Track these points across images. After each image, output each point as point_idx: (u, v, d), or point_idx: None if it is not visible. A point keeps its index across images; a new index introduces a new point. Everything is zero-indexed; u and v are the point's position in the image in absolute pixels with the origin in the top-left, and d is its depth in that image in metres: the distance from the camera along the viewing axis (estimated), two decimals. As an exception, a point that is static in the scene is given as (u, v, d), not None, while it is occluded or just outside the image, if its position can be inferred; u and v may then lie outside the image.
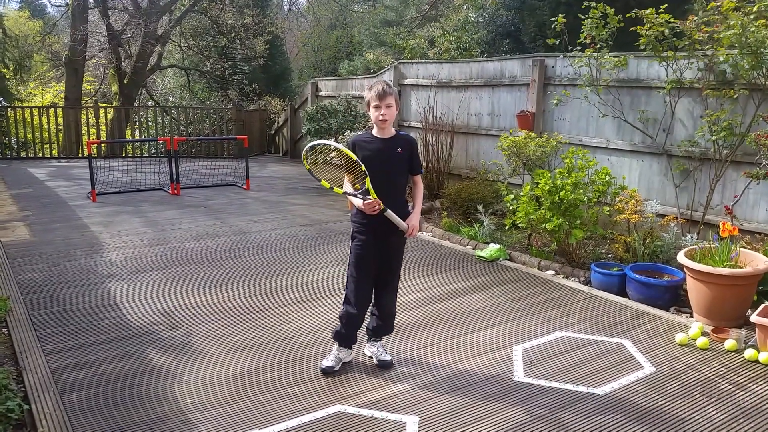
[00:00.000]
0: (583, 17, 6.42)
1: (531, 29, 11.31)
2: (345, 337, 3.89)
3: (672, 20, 5.82)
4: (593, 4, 6.33)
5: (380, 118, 3.69)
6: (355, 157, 3.60)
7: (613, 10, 6.33)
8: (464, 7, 14.13)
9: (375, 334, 4.01)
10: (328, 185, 3.79)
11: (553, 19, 6.82)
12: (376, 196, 3.59)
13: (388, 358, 3.94)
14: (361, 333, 3.96)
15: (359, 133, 3.85)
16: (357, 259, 3.81)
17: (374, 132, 3.82)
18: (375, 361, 3.95)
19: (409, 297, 5.15)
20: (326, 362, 3.85)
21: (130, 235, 7.17)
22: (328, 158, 3.77)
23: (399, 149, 3.77)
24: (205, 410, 3.35)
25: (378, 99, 3.67)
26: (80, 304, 4.92)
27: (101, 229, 7.44)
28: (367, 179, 3.59)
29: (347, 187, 3.73)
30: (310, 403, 3.43)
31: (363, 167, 3.58)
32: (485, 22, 13.06)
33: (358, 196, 3.64)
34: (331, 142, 3.76)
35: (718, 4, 5.49)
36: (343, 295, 3.91)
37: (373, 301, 3.95)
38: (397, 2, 21.80)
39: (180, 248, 6.61)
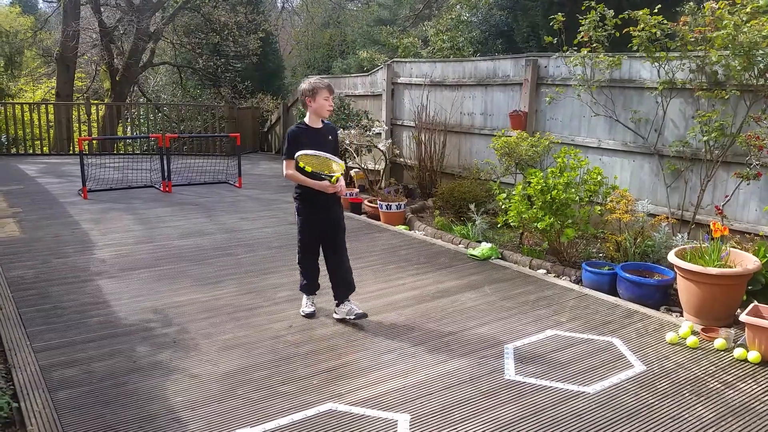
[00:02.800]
0: (581, 17, 6.45)
1: (524, 29, 11.33)
2: (311, 287, 4.74)
3: (664, 22, 5.85)
4: (593, 4, 6.36)
5: (328, 108, 4.40)
6: (342, 165, 4.41)
7: (612, 12, 6.36)
8: (458, 6, 14.11)
9: (342, 299, 4.61)
10: (302, 164, 4.28)
11: (552, 16, 6.85)
12: (339, 177, 4.35)
13: (361, 310, 4.56)
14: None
15: (297, 125, 4.55)
16: (308, 227, 4.57)
17: (308, 122, 4.44)
18: (352, 316, 4.50)
19: (402, 295, 5.15)
20: (307, 309, 4.68)
21: (120, 232, 7.13)
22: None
23: (330, 137, 4.50)
24: (195, 408, 3.34)
25: (329, 92, 4.37)
26: (70, 301, 4.90)
27: (92, 226, 7.40)
28: (337, 175, 4.34)
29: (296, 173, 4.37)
30: (301, 401, 3.42)
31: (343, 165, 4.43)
32: (478, 21, 13.08)
33: (324, 177, 4.31)
34: (320, 153, 4.36)
35: (714, 6, 5.52)
36: (297, 259, 4.72)
37: (330, 271, 4.65)
38: (391, 1, 21.78)
39: (170, 246, 6.58)
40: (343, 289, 4.59)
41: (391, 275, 5.69)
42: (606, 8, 6.41)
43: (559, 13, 6.75)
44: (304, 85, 4.40)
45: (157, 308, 4.79)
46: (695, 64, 5.88)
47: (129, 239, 6.82)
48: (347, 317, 4.51)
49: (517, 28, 11.74)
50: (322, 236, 4.58)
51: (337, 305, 4.60)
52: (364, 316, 4.50)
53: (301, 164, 4.28)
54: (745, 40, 5.20)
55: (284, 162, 4.41)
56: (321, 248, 4.62)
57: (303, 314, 4.64)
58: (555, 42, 6.84)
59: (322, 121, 4.48)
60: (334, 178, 4.31)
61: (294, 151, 4.30)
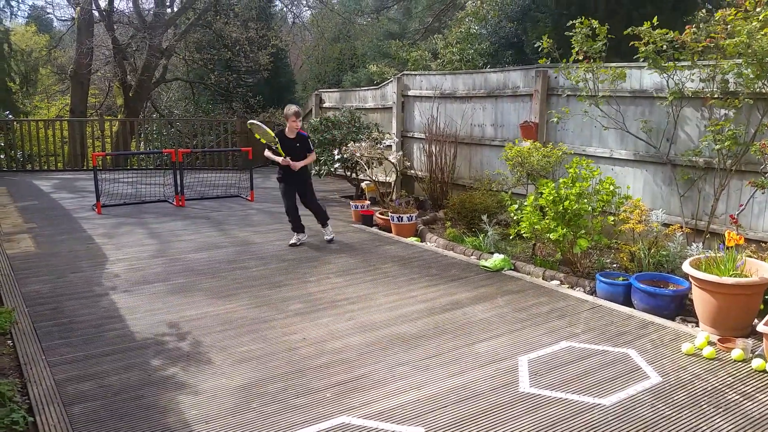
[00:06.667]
0: (571, 34, 6.41)
1: (533, 41, 11.32)
2: (295, 229, 7.29)
3: (668, 33, 5.81)
4: (578, 20, 6.33)
5: (296, 127, 7.10)
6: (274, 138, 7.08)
7: (596, 22, 6.28)
8: (467, 19, 14.16)
9: (322, 224, 7.47)
10: (263, 140, 7.21)
11: (548, 38, 6.78)
12: (284, 154, 7.03)
13: (331, 236, 7.45)
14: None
15: (281, 130, 7.22)
16: (282, 190, 7.27)
17: (287, 133, 7.13)
18: (325, 239, 7.43)
19: (414, 307, 5.14)
20: (291, 240, 7.30)
21: (134, 246, 7.18)
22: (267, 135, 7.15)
23: (297, 144, 7.11)
24: (209, 422, 3.34)
25: (297, 117, 7.06)
26: (85, 315, 4.93)
27: (106, 240, 7.46)
28: (279, 148, 7.04)
29: (269, 153, 7.24)
30: (315, 414, 3.42)
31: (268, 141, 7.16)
32: (488, 33, 13.13)
33: (273, 149, 7.13)
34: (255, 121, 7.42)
35: (724, 13, 5.50)
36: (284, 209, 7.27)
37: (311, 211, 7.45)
38: (401, 15, 21.92)
39: (184, 259, 6.61)
40: (319, 217, 7.46)
41: (402, 287, 5.68)
42: (609, 20, 6.34)
43: (545, 36, 6.74)
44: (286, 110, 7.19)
45: (171, 322, 4.81)
46: (705, 74, 5.86)
47: (143, 253, 6.86)
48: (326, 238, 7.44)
49: (526, 39, 11.77)
50: (294, 194, 7.29)
51: (323, 227, 7.49)
52: (332, 240, 7.40)
53: (257, 135, 7.30)
54: (759, 48, 5.18)
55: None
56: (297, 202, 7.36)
57: (290, 243, 7.25)
58: (550, 62, 6.77)
59: (297, 132, 7.14)
60: (281, 153, 7.04)
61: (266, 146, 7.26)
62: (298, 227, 7.28)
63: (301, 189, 7.31)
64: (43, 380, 3.80)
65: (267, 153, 7.21)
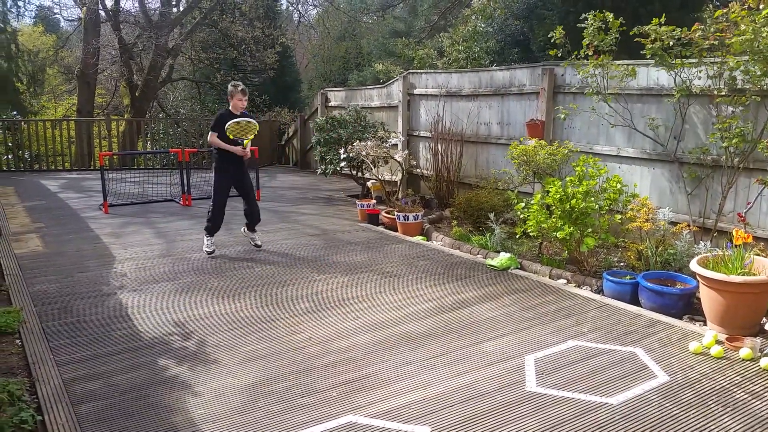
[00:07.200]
0: (583, 26, 6.38)
1: (540, 38, 11.31)
2: (212, 231, 6.76)
3: (675, 30, 5.77)
4: (591, 13, 6.31)
5: (241, 105, 6.63)
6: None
7: (612, 15, 6.27)
8: (473, 17, 14.15)
9: (251, 228, 7.03)
10: (229, 134, 6.48)
11: (562, 29, 6.77)
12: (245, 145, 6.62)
13: (260, 243, 6.99)
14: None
15: (226, 109, 6.74)
16: (221, 184, 6.67)
17: (232, 109, 6.63)
18: (252, 244, 6.98)
19: (420, 306, 5.14)
20: (208, 249, 6.69)
21: (141, 246, 7.21)
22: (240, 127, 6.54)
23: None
24: (216, 421, 3.35)
25: (243, 95, 6.58)
26: (92, 315, 4.95)
27: (113, 240, 7.49)
28: (249, 139, 6.61)
29: (217, 139, 6.53)
30: (321, 413, 3.42)
31: (251, 137, 6.63)
32: (494, 31, 13.09)
33: (240, 142, 6.54)
34: (244, 119, 6.56)
35: (725, 11, 5.47)
36: (210, 206, 6.73)
37: (244, 209, 6.91)
38: (406, 13, 21.92)
39: (191, 259, 6.63)
40: (251, 219, 6.98)
41: (409, 286, 5.68)
42: (617, 16, 6.32)
43: (560, 26, 6.71)
44: (229, 87, 6.75)
45: (178, 321, 4.83)
46: (713, 71, 5.82)
47: (150, 253, 6.89)
48: (252, 243, 6.99)
49: (533, 37, 11.74)
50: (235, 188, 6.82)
51: (251, 231, 7.05)
52: (259, 247, 6.93)
53: (229, 134, 6.46)
54: (764, 46, 5.14)
55: (210, 133, 6.64)
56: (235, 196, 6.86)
57: (206, 252, 6.66)
58: (560, 55, 6.76)
59: (242, 112, 6.69)
60: (245, 142, 6.56)
61: (217, 128, 6.50)
62: (216, 231, 6.81)
63: (244, 181, 6.80)
64: (51, 379, 3.82)
65: (215, 139, 6.51)
